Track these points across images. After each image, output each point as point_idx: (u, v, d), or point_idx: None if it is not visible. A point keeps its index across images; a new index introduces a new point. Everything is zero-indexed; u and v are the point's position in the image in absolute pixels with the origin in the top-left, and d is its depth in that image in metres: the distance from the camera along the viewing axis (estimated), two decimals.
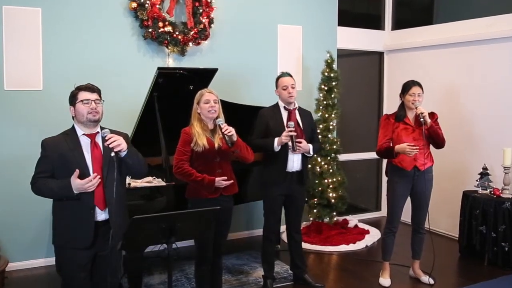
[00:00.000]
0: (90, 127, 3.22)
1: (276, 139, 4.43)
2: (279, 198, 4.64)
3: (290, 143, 4.42)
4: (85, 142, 3.21)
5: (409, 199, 4.84)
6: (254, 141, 4.49)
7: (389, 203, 4.83)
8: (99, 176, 3.13)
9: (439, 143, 4.67)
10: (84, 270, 3.23)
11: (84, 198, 3.13)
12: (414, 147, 4.44)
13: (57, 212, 3.25)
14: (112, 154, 3.08)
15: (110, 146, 3.08)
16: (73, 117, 3.25)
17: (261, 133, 4.56)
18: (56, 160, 3.15)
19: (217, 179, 3.89)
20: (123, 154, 3.16)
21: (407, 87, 4.67)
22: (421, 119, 4.50)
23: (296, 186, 4.64)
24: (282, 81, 4.58)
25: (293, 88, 4.55)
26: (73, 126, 3.26)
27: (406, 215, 5.00)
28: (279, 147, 4.45)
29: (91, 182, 3.08)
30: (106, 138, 3.10)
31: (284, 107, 4.61)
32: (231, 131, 3.85)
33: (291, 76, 4.62)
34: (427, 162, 4.67)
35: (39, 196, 3.22)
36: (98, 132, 3.25)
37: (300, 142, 4.47)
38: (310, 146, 4.58)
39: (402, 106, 4.73)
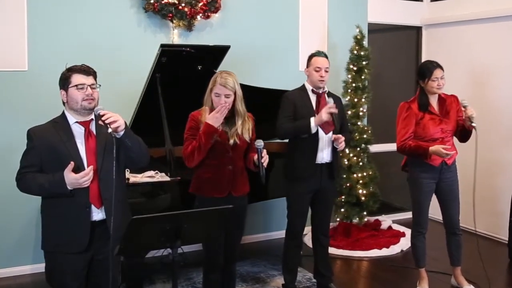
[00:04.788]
0: (84, 115, 3.19)
1: (313, 118, 4.39)
2: (308, 196, 4.62)
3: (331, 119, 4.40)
4: (78, 132, 3.18)
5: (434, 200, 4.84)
6: (283, 125, 4.47)
7: (416, 202, 4.86)
8: (93, 168, 3.10)
9: (468, 136, 4.71)
10: (78, 278, 3.22)
11: (78, 195, 3.10)
12: (450, 152, 4.50)
13: (46, 211, 3.23)
14: (109, 130, 3.04)
15: (106, 121, 3.04)
16: (64, 103, 3.22)
17: (290, 116, 4.51)
18: (45, 152, 3.12)
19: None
20: (120, 133, 3.12)
21: (427, 71, 4.63)
22: (473, 123, 4.48)
23: (326, 181, 4.63)
24: (316, 61, 4.54)
25: (326, 72, 4.53)
26: (63, 113, 3.23)
27: (436, 212, 4.94)
28: (316, 127, 4.41)
29: (87, 176, 3.05)
30: (101, 114, 3.06)
31: (312, 90, 4.58)
32: (266, 159, 3.80)
33: (327, 57, 4.60)
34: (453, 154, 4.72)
35: (25, 193, 3.20)
36: (92, 119, 3.22)
37: (338, 138, 4.45)
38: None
39: (423, 93, 4.71)
